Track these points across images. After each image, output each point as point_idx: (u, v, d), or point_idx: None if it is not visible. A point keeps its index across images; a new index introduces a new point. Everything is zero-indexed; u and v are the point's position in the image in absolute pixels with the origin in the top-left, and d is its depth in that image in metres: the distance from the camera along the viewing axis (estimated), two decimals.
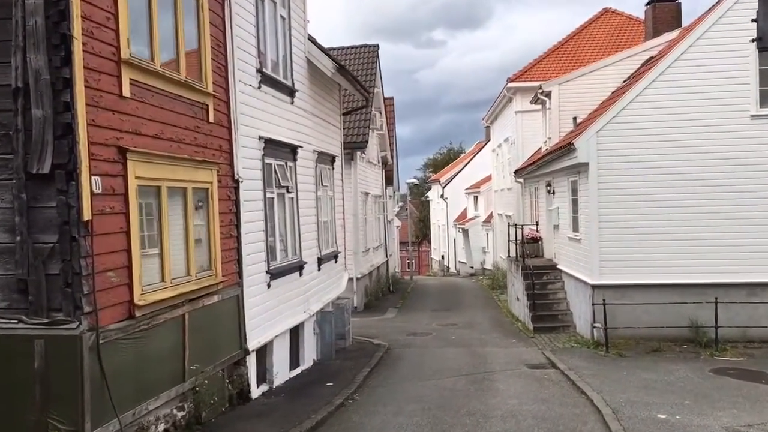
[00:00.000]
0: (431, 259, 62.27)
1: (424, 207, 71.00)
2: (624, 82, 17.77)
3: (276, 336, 10.61)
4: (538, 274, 17.73)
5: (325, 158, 14.14)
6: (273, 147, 10.75)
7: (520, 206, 24.67)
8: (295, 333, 12.07)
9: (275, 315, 10.63)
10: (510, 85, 25.22)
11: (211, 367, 8.13)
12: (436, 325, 19.04)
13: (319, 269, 13.32)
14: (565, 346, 14.50)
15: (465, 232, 44.82)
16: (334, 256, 14.80)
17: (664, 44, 17.29)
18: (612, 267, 14.18)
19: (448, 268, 50.97)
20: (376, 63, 24.87)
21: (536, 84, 21.20)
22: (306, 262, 12.13)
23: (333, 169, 14.93)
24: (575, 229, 15.96)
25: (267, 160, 10.54)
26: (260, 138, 10.20)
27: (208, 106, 8.40)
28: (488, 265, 37.02)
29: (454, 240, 49.31)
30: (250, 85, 9.93)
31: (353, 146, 20.93)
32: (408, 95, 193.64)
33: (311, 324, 12.86)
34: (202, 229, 8.23)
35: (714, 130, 13.88)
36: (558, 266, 17.76)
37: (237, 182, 9.26)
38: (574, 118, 18.44)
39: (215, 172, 8.53)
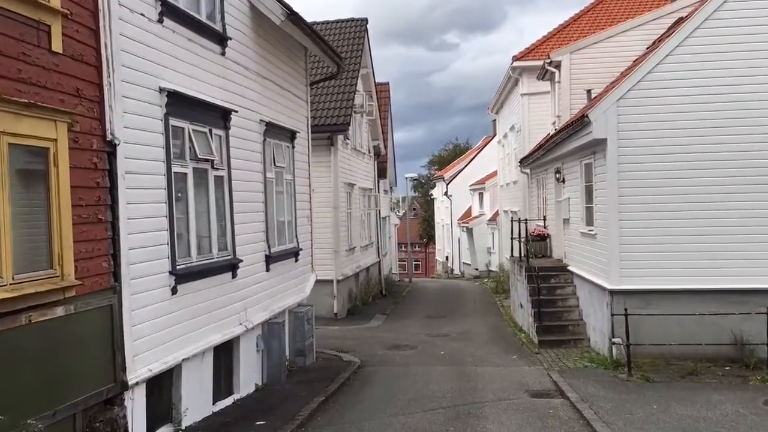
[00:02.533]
0: (436, 260, 59.38)
1: (429, 205, 68.01)
2: (647, 48, 14.94)
3: (186, 358, 7.90)
4: (545, 276, 14.96)
5: (279, 132, 11.46)
6: (186, 106, 8.06)
7: (526, 200, 21.86)
8: (227, 352, 9.37)
9: (187, 330, 7.92)
10: (515, 64, 22.42)
11: (43, 417, 5.41)
12: (426, 336, 16.27)
13: (267, 269, 10.63)
14: (576, 366, 11.77)
15: (469, 231, 41.93)
16: (294, 254, 12.07)
17: (695, 3, 14.43)
18: (635, 268, 11.44)
19: (452, 269, 47.97)
20: (364, 39, 22.06)
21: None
22: (241, 260, 9.41)
23: (293, 147, 12.23)
24: (589, 222, 13.16)
25: (175, 122, 7.85)
26: (161, 90, 7.50)
27: (50, 27, 5.71)
28: (494, 267, 34.18)
29: (459, 240, 46.37)
30: (142, 15, 7.23)
31: (332, 129, 18.20)
32: (421, 98, 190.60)
33: (252, 339, 10.13)
34: (32, 209, 5.53)
35: (766, 98, 11.07)
36: (568, 267, 14.95)
37: (113, 145, 6.56)
38: (588, 91, 15.61)
39: (65, 126, 5.82)
